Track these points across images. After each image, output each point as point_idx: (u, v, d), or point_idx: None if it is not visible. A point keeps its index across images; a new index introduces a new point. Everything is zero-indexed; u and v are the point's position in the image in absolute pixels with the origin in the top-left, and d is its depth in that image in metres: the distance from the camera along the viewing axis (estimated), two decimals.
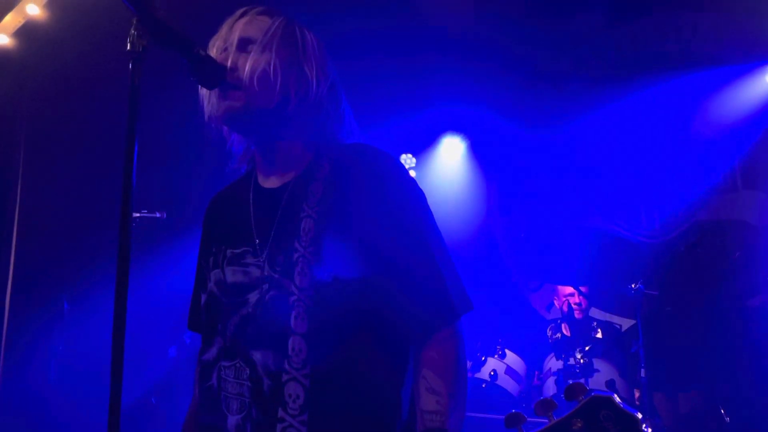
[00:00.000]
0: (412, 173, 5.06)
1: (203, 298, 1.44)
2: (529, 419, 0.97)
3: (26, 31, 4.46)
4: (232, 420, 1.28)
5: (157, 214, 3.86)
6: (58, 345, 4.51)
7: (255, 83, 1.34)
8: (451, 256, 1.36)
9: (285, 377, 1.22)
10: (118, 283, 1.11)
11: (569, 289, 4.20)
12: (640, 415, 0.89)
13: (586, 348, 3.17)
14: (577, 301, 3.91)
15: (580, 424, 0.89)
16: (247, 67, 1.35)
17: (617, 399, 0.89)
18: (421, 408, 1.24)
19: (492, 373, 3.35)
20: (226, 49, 1.39)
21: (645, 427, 0.88)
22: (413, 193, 1.37)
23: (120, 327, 1.10)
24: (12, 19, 4.48)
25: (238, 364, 1.29)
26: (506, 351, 3.47)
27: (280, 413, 1.21)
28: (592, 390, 0.91)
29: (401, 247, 1.30)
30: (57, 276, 4.63)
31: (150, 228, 3.96)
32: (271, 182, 1.45)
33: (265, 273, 1.31)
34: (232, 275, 1.37)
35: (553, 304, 4.36)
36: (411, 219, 1.33)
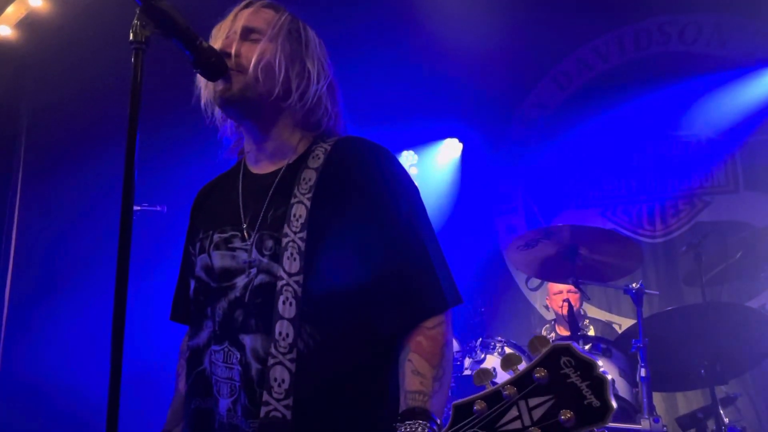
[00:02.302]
0: (413, 170, 5.05)
1: (191, 284, 1.44)
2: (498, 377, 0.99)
3: (28, 23, 4.46)
4: (224, 403, 1.29)
5: (158, 207, 3.86)
6: (57, 337, 4.51)
7: (259, 72, 1.36)
8: (442, 249, 1.39)
9: (271, 361, 1.23)
10: (118, 274, 1.10)
11: (558, 287, 4.18)
12: (600, 362, 0.94)
13: (586, 347, 3.17)
14: (564, 297, 3.89)
15: (543, 372, 0.94)
16: (253, 56, 1.37)
17: (577, 346, 0.94)
18: (404, 389, 1.25)
19: (492, 371, 3.35)
20: (228, 37, 1.41)
21: (603, 372, 0.93)
22: (407, 187, 1.40)
23: (120, 318, 1.09)
24: (14, 11, 4.47)
25: (227, 349, 1.30)
26: (506, 348, 3.46)
27: (265, 397, 1.21)
28: (552, 341, 0.96)
29: (394, 238, 1.32)
30: (57, 267, 4.63)
31: (150, 221, 3.96)
32: (261, 168, 1.46)
33: (253, 257, 1.32)
34: (219, 259, 1.37)
35: (552, 306, 4.36)
36: (405, 211, 1.35)
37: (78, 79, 4.49)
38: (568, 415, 0.91)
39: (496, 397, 0.96)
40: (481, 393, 0.97)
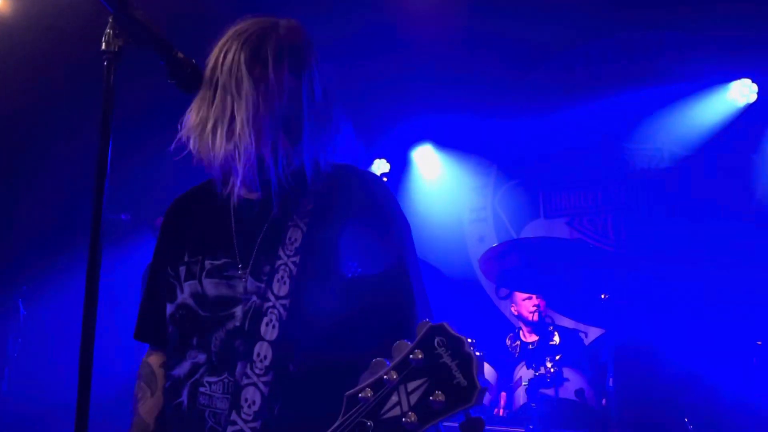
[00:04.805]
0: (384, 179, 5.05)
1: (169, 308, 1.38)
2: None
3: None
4: None
5: (122, 216, 3.78)
6: (12, 351, 4.35)
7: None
8: (423, 278, 1.41)
9: (245, 381, 1.22)
10: (87, 286, 1.06)
11: (524, 294, 4.20)
12: (470, 340, 0.93)
13: (556, 357, 3.21)
14: (535, 303, 3.91)
15: (420, 355, 0.94)
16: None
17: (449, 326, 0.94)
18: None
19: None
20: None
21: (473, 349, 0.92)
22: (399, 220, 1.42)
23: (89, 330, 1.05)
24: None
25: (226, 380, 1.26)
26: None
27: (233, 416, 1.20)
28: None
29: (382, 270, 1.33)
30: (12, 278, 4.47)
31: (114, 230, 3.86)
32: (255, 194, 1.40)
33: (251, 285, 1.29)
34: (214, 288, 1.33)
35: (521, 312, 4.38)
36: (396, 244, 1.38)
37: (37, 81, 4.36)
38: (440, 397, 0.90)
39: (380, 383, 0.95)
40: (369, 380, 0.97)
